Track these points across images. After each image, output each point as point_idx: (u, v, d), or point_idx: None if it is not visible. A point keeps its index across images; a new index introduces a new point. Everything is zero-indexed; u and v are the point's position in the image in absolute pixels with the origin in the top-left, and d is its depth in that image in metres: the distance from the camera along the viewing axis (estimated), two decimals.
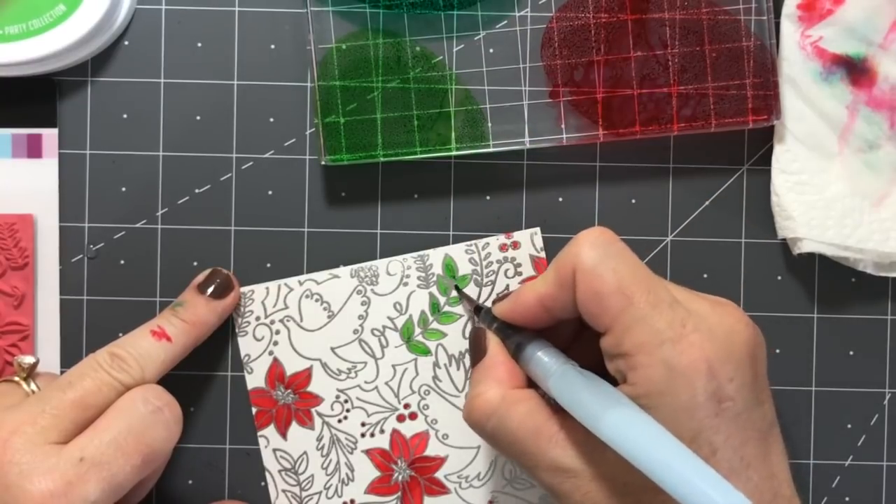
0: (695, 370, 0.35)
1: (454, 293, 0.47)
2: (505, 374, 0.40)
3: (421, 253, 0.47)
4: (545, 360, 0.39)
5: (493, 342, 0.41)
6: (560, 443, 0.37)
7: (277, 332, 0.47)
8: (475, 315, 0.45)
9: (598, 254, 0.37)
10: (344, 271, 0.47)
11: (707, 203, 0.48)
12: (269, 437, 0.47)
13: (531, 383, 0.40)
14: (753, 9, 0.46)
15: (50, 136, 0.46)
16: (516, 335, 0.40)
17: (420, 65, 0.46)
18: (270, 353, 0.47)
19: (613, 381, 0.37)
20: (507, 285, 0.47)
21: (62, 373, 0.46)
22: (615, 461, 0.35)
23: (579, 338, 0.42)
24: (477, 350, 0.42)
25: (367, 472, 0.47)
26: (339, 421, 0.47)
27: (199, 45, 0.47)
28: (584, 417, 0.35)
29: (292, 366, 0.47)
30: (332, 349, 0.47)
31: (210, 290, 0.45)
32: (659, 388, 0.35)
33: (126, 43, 0.47)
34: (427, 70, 0.46)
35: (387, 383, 0.47)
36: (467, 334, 0.47)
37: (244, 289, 0.47)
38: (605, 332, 0.37)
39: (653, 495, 0.35)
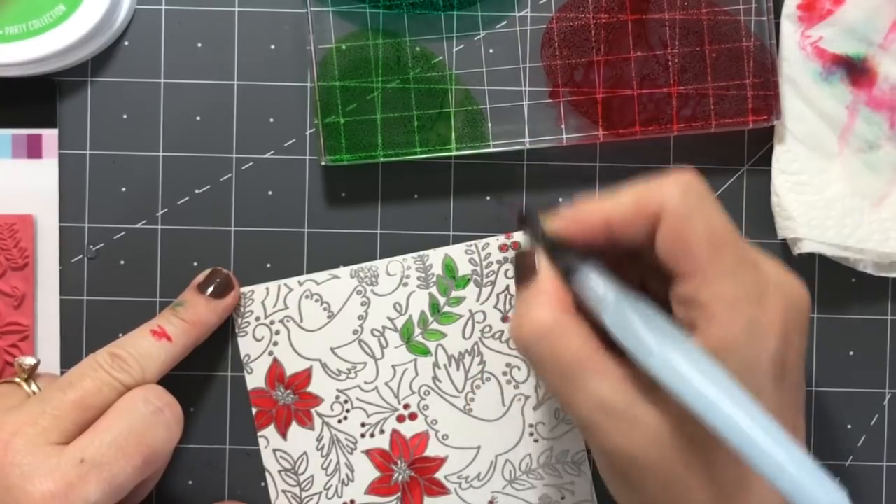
0: (773, 332, 0.35)
1: (454, 293, 0.47)
2: (558, 297, 0.38)
3: (421, 253, 0.47)
4: (601, 285, 0.37)
5: (545, 264, 0.39)
6: (610, 377, 0.36)
7: (277, 333, 0.47)
8: (518, 225, 0.42)
9: (693, 200, 0.36)
10: (344, 272, 0.47)
11: None
12: (269, 438, 0.47)
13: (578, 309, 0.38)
14: (753, 9, 0.46)
15: (50, 136, 0.46)
16: (567, 255, 0.38)
17: (420, 65, 0.46)
18: (270, 353, 0.47)
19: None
20: (508, 286, 0.47)
21: (62, 373, 0.46)
22: (665, 407, 0.35)
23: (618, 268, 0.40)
24: (526, 270, 0.39)
25: (367, 472, 0.47)
26: (339, 421, 0.47)
27: (199, 45, 0.47)
28: (641, 351, 0.34)
29: (292, 366, 0.47)
30: (332, 349, 0.47)
31: (210, 289, 0.45)
32: (735, 343, 0.34)
33: (126, 43, 0.47)
34: (427, 70, 0.46)
35: (387, 384, 0.47)
36: (467, 335, 0.47)
37: (244, 289, 0.47)
38: (680, 277, 0.36)
39: (695, 450, 0.35)
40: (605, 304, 0.36)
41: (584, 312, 0.38)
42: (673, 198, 0.36)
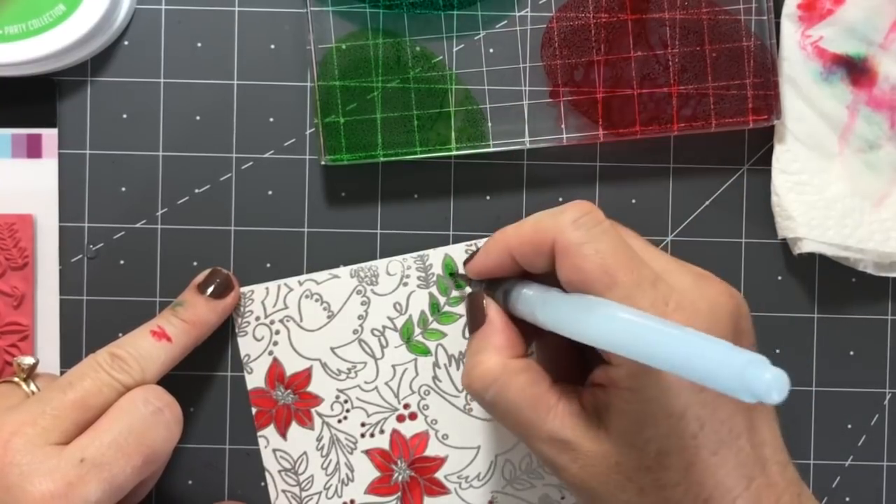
0: None
1: (455, 292, 0.47)
2: (505, 342, 0.39)
3: (421, 253, 0.47)
4: (530, 294, 0.38)
5: (493, 309, 0.41)
6: (559, 414, 0.37)
7: (277, 333, 0.47)
8: (468, 285, 0.45)
9: (582, 232, 0.37)
10: (344, 271, 0.47)
11: (707, 203, 0.48)
12: (268, 438, 0.47)
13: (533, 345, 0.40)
14: (753, 9, 0.46)
15: (50, 136, 0.46)
16: (502, 284, 0.40)
17: (420, 65, 0.46)
18: (270, 353, 0.47)
19: (595, 356, 0.37)
20: None
21: (62, 373, 0.46)
22: (608, 436, 0.35)
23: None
24: (475, 316, 0.41)
25: (367, 472, 0.47)
26: (339, 421, 0.47)
27: (199, 45, 0.47)
28: (577, 330, 0.34)
29: (292, 366, 0.47)
30: (332, 349, 0.47)
31: (210, 289, 0.45)
32: (644, 367, 0.34)
33: (126, 43, 0.47)
34: (427, 70, 0.46)
35: (387, 383, 0.47)
36: (467, 334, 0.47)
37: (244, 289, 0.47)
38: None
39: (645, 474, 0.35)
40: (535, 306, 0.38)
41: (542, 346, 0.40)
42: (563, 232, 0.37)
